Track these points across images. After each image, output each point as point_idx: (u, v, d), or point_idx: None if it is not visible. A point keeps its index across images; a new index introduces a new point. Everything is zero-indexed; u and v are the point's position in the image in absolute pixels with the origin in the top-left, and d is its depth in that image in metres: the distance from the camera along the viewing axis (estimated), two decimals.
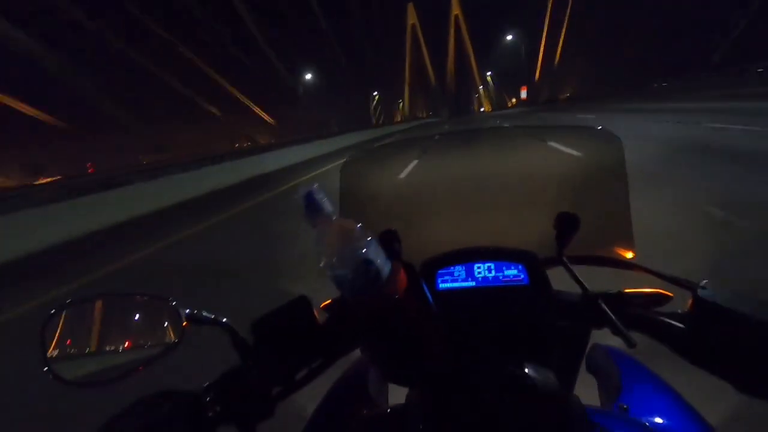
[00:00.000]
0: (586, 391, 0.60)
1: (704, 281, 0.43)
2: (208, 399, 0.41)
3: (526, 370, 0.52)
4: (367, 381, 0.67)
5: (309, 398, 0.60)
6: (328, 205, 0.40)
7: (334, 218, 0.40)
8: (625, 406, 0.57)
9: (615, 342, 0.56)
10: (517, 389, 0.50)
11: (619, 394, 0.60)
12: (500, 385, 0.51)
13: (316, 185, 0.40)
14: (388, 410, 0.56)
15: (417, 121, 68.41)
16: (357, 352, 0.54)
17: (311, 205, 0.39)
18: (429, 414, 0.48)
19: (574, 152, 0.76)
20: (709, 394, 0.67)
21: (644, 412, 0.56)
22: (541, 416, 0.47)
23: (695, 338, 0.40)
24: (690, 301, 0.42)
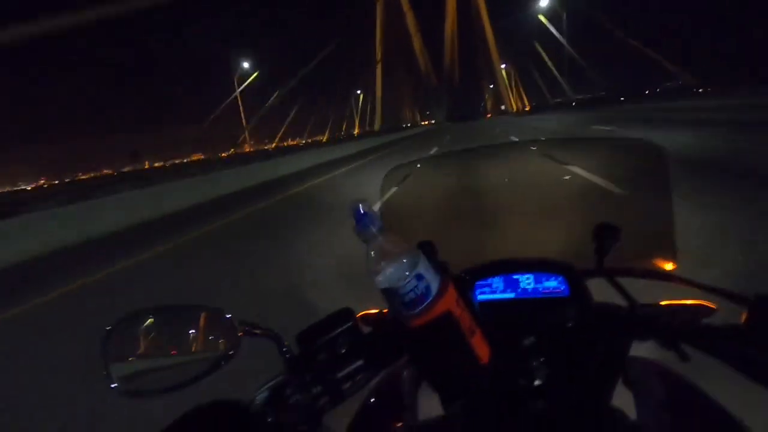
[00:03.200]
0: (623, 405, 0.59)
1: (757, 293, 0.42)
2: (256, 409, 0.42)
3: (566, 382, 0.52)
4: (401, 391, 0.67)
5: (342, 408, 0.60)
6: (377, 221, 0.40)
7: (384, 233, 0.40)
8: (664, 421, 0.56)
9: (653, 354, 0.55)
10: (557, 401, 0.50)
11: (659, 408, 0.59)
12: (541, 397, 0.51)
13: (365, 201, 0.41)
14: (428, 422, 0.56)
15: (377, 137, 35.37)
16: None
17: (361, 221, 0.40)
18: (470, 426, 0.48)
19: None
20: (756, 411, 0.65)
21: (687, 428, 0.55)
22: (583, 429, 0.47)
23: (754, 352, 0.39)
24: (744, 314, 0.41)
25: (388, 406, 0.67)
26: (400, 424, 0.62)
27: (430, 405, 0.60)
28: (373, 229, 0.40)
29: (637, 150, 0.72)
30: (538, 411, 0.50)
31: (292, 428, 0.44)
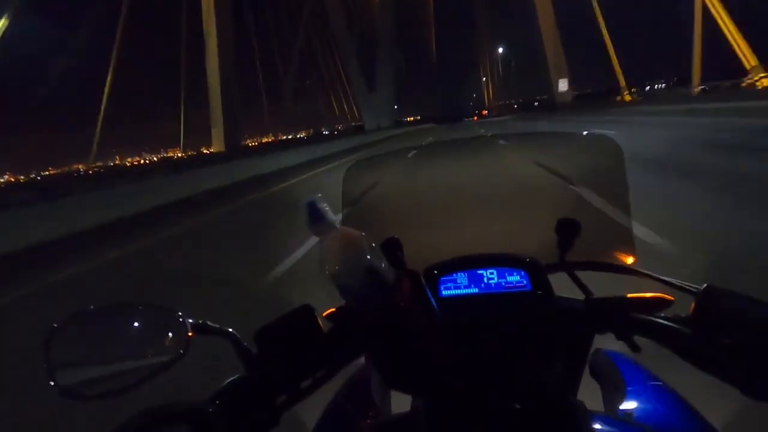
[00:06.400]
0: (590, 397, 0.60)
1: (705, 285, 0.43)
2: (213, 409, 0.41)
3: (530, 377, 0.52)
4: (371, 388, 0.67)
5: (312, 405, 0.60)
6: (330, 215, 0.40)
7: (337, 227, 0.40)
8: (629, 412, 0.57)
9: (618, 346, 0.56)
10: (522, 396, 0.50)
11: (623, 399, 0.60)
12: (504, 392, 0.51)
13: (318, 195, 0.41)
14: (394, 418, 0.56)
15: None
16: (360, 360, 0.54)
17: (314, 215, 0.40)
18: (435, 422, 0.48)
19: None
20: (713, 397, 0.67)
21: (648, 417, 0.56)
22: (547, 423, 0.47)
23: (700, 342, 0.40)
24: (693, 305, 0.42)
25: (357, 403, 0.67)
26: (368, 421, 0.62)
27: (401, 401, 0.60)
28: (326, 224, 0.39)
29: (594, 146, 0.73)
30: (502, 406, 0.50)
31: (250, 429, 0.43)
